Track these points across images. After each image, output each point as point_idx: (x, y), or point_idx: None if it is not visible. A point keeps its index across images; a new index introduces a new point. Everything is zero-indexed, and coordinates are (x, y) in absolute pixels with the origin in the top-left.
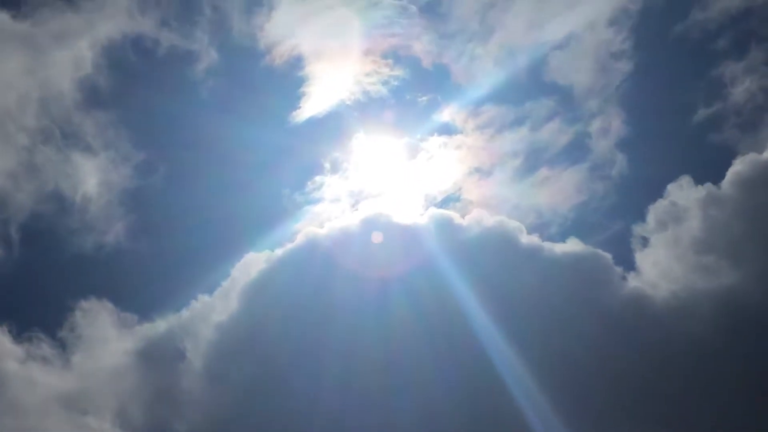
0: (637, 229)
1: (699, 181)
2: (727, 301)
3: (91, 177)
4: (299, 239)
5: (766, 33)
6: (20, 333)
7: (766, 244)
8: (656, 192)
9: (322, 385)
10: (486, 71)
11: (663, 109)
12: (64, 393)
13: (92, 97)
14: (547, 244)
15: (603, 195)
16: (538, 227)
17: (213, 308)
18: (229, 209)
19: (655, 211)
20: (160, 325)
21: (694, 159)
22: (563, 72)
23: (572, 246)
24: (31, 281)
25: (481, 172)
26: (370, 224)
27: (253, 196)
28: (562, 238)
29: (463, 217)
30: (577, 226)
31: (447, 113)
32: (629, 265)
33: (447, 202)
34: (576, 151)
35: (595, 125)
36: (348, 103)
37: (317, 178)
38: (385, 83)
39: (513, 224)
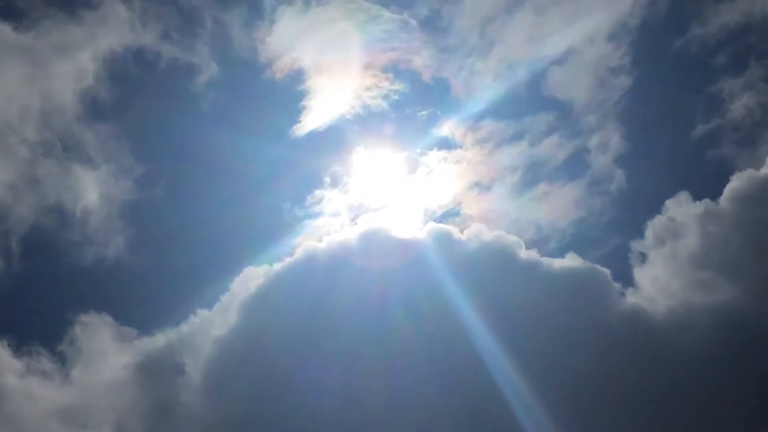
0: (636, 245)
1: (697, 197)
2: (725, 317)
3: (92, 190)
4: (298, 253)
5: (764, 49)
6: (20, 347)
7: (764, 259)
8: (655, 208)
9: (321, 399)
10: (485, 86)
11: (661, 125)
12: (63, 407)
13: (93, 109)
14: (546, 259)
15: (601, 210)
16: (537, 242)
17: (212, 322)
18: (228, 223)
19: (654, 227)
20: (160, 339)
21: (693, 175)
22: (562, 87)
23: (571, 261)
24: (31, 294)
25: (480, 186)
26: (369, 238)
27: (253, 209)
28: (560, 253)
29: (462, 231)
30: (576, 241)
31: (446, 128)
32: (628, 280)
33: (446, 216)
34: (575, 166)
35: (594, 140)
36: (348, 116)
37: (317, 192)
38: (385, 97)
39: (512, 239)
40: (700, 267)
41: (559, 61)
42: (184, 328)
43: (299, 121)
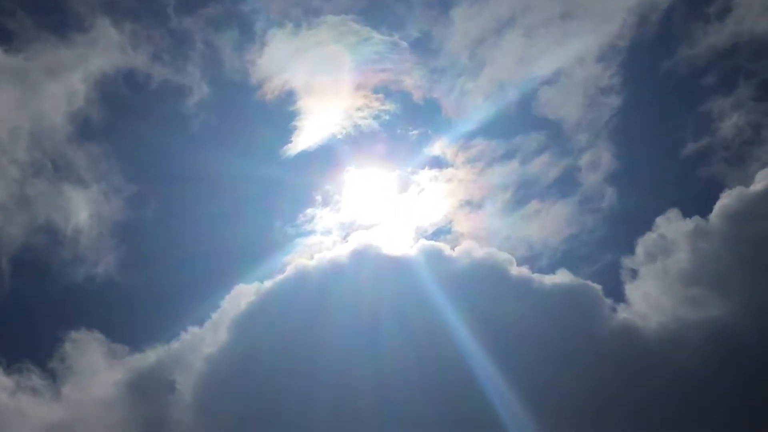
0: (627, 262)
1: (687, 214)
2: (716, 333)
3: (83, 209)
4: (288, 271)
5: (753, 69)
6: (10, 364)
7: (754, 276)
8: (645, 225)
9: (313, 416)
10: (476, 106)
11: (651, 144)
12: (54, 424)
13: (84, 130)
14: (537, 276)
15: (592, 228)
16: (528, 259)
17: (203, 340)
18: (219, 241)
19: (644, 244)
20: (150, 356)
21: (683, 192)
22: (553, 107)
23: (562, 278)
24: (22, 312)
25: (471, 204)
26: (360, 256)
27: (245, 228)
28: (552, 270)
29: (453, 249)
30: (567, 258)
31: (437, 147)
32: (619, 296)
33: (437, 234)
34: (565, 184)
35: (585, 159)
36: (339, 136)
37: (308, 211)
38: (376, 117)
39: (503, 256)
40: (691, 283)
41: (550, 81)
42: (175, 345)
43: (291, 141)
